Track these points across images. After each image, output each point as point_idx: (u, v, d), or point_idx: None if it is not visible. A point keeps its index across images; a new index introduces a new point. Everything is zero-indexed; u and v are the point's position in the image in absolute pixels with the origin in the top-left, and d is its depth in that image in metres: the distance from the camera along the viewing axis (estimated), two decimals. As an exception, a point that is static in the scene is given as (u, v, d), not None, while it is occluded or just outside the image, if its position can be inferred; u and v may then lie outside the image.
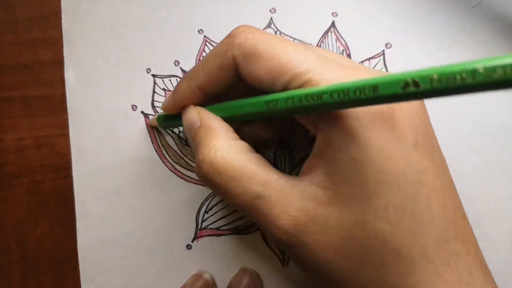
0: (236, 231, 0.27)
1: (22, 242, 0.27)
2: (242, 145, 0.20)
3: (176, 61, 0.27)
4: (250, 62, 0.19)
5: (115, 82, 0.27)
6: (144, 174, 0.27)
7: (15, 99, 0.27)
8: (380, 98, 0.14)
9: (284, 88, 0.19)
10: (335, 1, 0.27)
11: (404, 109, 0.18)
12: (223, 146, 0.20)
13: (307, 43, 0.27)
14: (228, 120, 0.21)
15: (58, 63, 0.27)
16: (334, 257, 0.18)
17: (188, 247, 0.26)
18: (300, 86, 0.18)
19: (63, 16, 0.27)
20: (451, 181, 0.19)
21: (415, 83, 0.13)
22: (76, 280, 0.26)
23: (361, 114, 0.18)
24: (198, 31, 0.27)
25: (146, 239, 0.26)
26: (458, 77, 0.12)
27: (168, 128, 0.27)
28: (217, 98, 0.22)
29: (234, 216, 0.27)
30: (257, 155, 0.20)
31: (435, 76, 0.13)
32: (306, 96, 0.17)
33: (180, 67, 0.27)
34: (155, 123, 0.26)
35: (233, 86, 0.21)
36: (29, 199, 0.27)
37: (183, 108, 0.23)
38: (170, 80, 0.27)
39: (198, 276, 0.26)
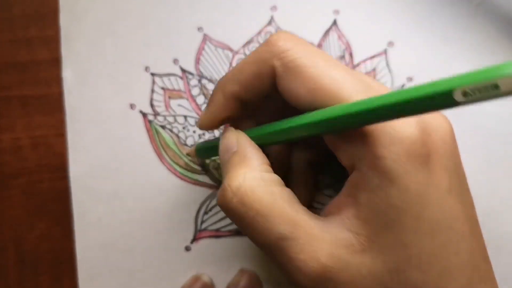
0: (236, 233, 0.26)
1: (19, 243, 0.27)
2: (274, 178, 0.19)
3: (175, 59, 0.27)
4: (290, 77, 0.18)
5: (113, 80, 0.27)
6: (143, 174, 0.26)
7: (12, 98, 0.27)
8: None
9: None
10: (337, -1, 0.27)
11: (439, 151, 0.18)
12: (254, 177, 0.18)
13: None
14: (266, 140, 0.20)
15: (56, 62, 0.27)
16: None
17: (187, 249, 0.26)
18: None
19: (60, 14, 0.27)
20: (477, 223, 0.19)
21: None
22: (74, 281, 0.26)
23: (403, 158, 0.17)
24: (198, 29, 0.27)
25: (144, 240, 0.26)
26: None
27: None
28: (251, 110, 0.21)
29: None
30: (288, 191, 0.19)
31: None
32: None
33: (179, 66, 0.27)
34: (193, 154, 0.25)
35: (268, 96, 0.20)
36: (26, 199, 0.27)
37: (220, 122, 0.21)
38: (169, 78, 0.27)
39: (196, 278, 0.25)
